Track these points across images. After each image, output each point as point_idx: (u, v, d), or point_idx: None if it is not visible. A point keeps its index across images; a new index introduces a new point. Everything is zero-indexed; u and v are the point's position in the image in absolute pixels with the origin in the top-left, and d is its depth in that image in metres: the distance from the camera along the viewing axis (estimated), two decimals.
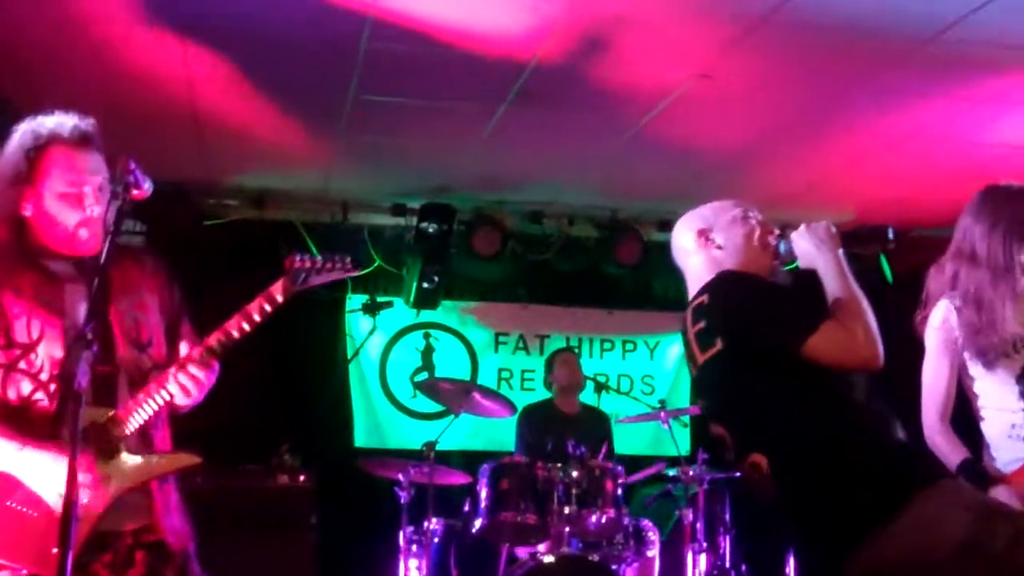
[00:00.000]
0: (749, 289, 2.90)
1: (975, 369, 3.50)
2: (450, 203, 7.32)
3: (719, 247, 3.06)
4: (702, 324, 2.86)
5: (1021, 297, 3.45)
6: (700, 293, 2.93)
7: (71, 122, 3.00)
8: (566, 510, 5.59)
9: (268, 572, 5.77)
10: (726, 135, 6.13)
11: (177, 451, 3.13)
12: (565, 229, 7.84)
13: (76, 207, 2.95)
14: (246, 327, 3.03)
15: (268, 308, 3.05)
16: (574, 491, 5.63)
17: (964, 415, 3.61)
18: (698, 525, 6.07)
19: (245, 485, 6.09)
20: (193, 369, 2.99)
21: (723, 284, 2.90)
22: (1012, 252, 3.43)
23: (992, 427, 3.50)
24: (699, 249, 3.09)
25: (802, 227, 3.00)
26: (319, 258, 3.16)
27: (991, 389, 3.49)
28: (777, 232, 3.07)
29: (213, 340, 3.02)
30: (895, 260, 7.90)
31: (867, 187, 7.11)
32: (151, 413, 2.96)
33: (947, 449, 3.45)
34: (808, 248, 2.99)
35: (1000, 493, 3.30)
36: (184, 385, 2.98)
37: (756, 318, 2.81)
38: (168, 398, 2.98)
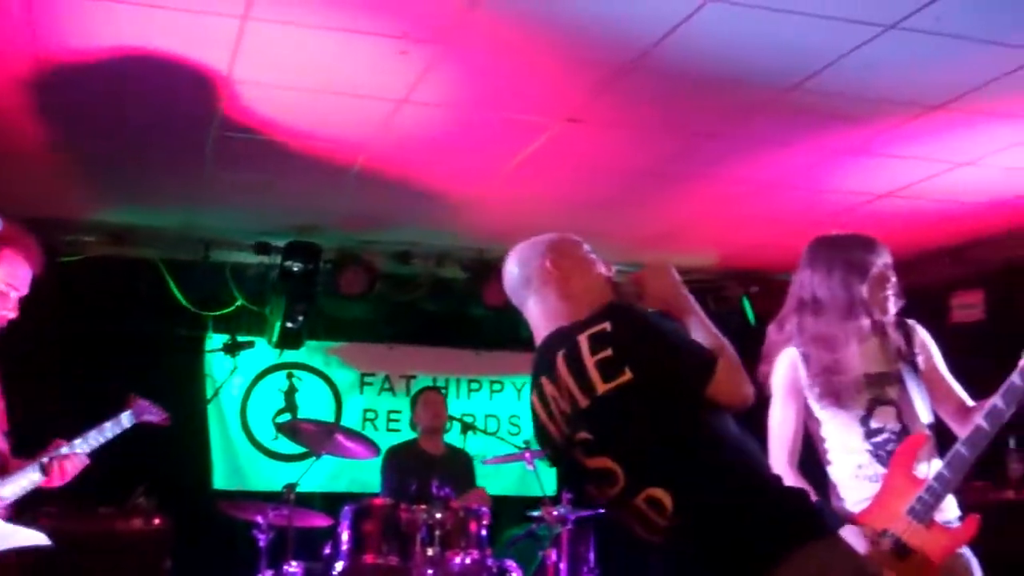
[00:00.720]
0: (656, 322, 2.77)
1: (821, 412, 3.59)
2: (316, 242, 7.23)
3: (570, 279, 2.92)
4: (607, 353, 2.69)
5: (866, 337, 3.56)
6: (595, 320, 2.75)
7: None
8: (429, 552, 5.53)
9: None
10: (593, 178, 6.19)
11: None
12: (433, 270, 7.82)
13: None
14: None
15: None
16: (437, 533, 5.57)
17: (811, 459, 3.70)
18: (562, 565, 6.04)
19: (99, 528, 5.91)
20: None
21: (627, 314, 2.77)
22: (853, 293, 3.54)
23: (839, 469, 3.59)
24: (550, 281, 2.92)
25: (654, 267, 2.93)
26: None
27: (837, 431, 3.57)
28: (615, 271, 2.99)
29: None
30: (757, 303, 8.11)
31: (729, 232, 7.26)
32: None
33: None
34: (664, 288, 2.89)
35: (848, 533, 3.26)
36: None
37: (669, 353, 2.70)
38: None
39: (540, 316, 2.93)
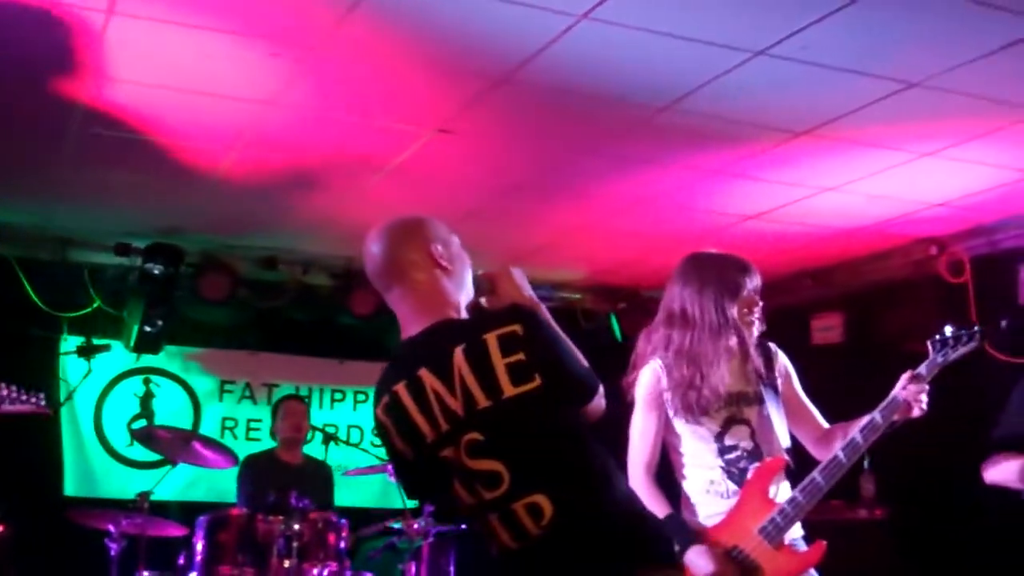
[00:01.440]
0: (558, 331, 2.70)
1: (679, 426, 3.63)
2: (179, 245, 7.05)
3: (447, 273, 2.79)
4: (520, 357, 2.59)
5: (733, 355, 3.62)
6: (502, 320, 2.65)
7: None
8: (286, 564, 5.44)
9: None
10: (463, 190, 6.16)
11: None
12: (299, 276, 7.69)
13: None
14: None
15: None
16: (295, 544, 5.48)
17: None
18: None
19: None
20: None
21: (536, 319, 2.67)
22: (724, 310, 3.58)
23: (692, 483, 3.64)
24: (429, 267, 2.77)
25: (506, 268, 2.85)
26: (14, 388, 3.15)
27: (692, 446, 3.62)
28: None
29: None
30: (624, 320, 8.17)
31: (600, 248, 7.31)
32: None
33: (650, 503, 3.50)
34: (515, 289, 2.81)
35: (695, 554, 3.39)
36: None
37: (572, 363, 2.66)
38: None
39: (415, 304, 2.76)
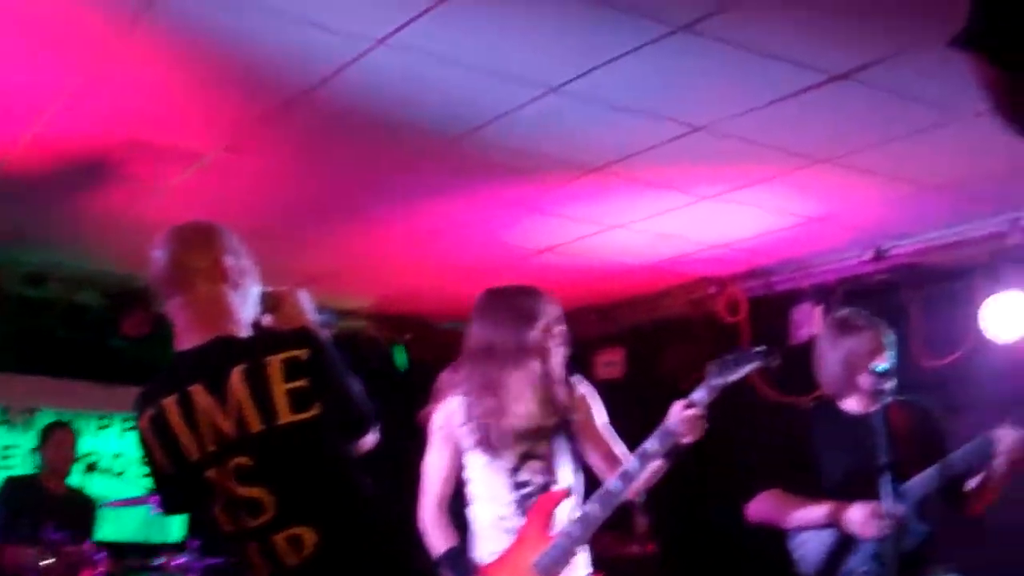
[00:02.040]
0: (342, 361, 2.59)
1: (475, 461, 3.62)
2: None
3: (235, 287, 2.66)
4: (302, 383, 2.48)
5: (536, 385, 3.59)
6: (288, 344, 2.53)
7: None
8: None
9: None
10: (250, 210, 5.93)
11: None
12: (69, 294, 7.30)
13: None
14: None
15: None
16: None
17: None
18: None
19: None
20: None
21: (323, 345, 2.55)
22: (521, 338, 3.57)
23: (482, 518, 3.62)
24: (216, 278, 2.65)
25: (295, 291, 2.76)
26: None
27: (485, 480, 3.61)
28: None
29: None
30: (412, 350, 8.10)
31: (388, 277, 7.21)
32: None
33: (437, 536, 3.60)
34: (299, 313, 2.71)
35: None
36: None
37: (353, 395, 2.56)
38: None
39: (196, 315, 2.62)
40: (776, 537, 4.01)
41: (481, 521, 3.62)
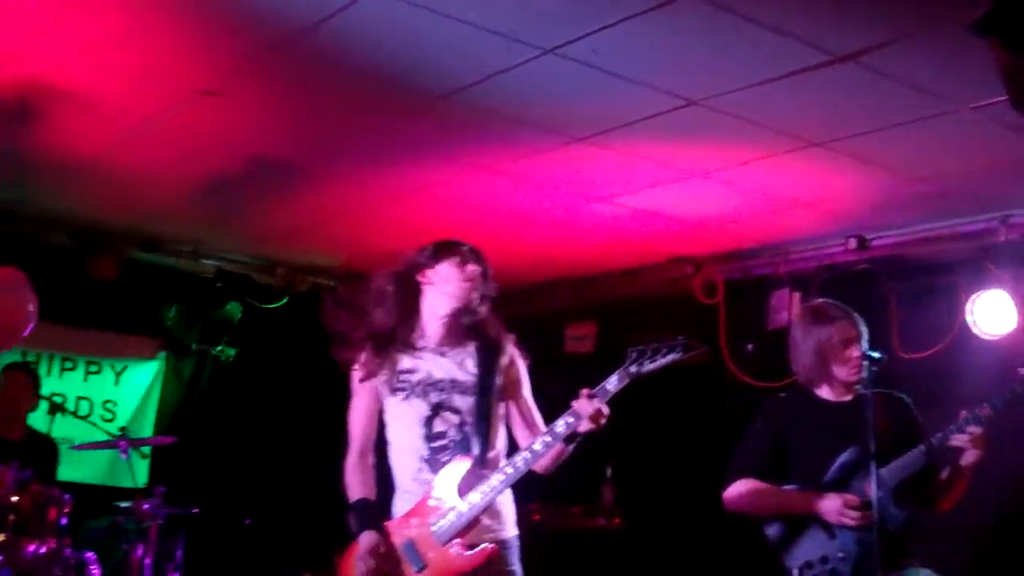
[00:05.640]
0: None
1: (391, 407, 3.70)
2: None
3: None
4: None
5: (453, 339, 3.69)
6: None
7: None
8: (1, 537, 5.05)
9: None
10: (224, 158, 5.85)
11: None
12: (36, 234, 7.18)
13: None
14: None
15: None
16: (11, 518, 5.12)
17: None
18: (147, 561, 5.73)
19: None
20: None
21: None
22: (405, 286, 3.72)
23: (396, 466, 3.70)
24: None
25: None
26: None
27: (400, 428, 3.68)
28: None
29: None
30: None
31: (360, 235, 7.10)
32: None
33: (352, 485, 3.67)
34: None
35: (366, 535, 3.50)
36: None
37: None
38: None
39: None
40: (745, 521, 4.01)
41: (396, 469, 3.69)
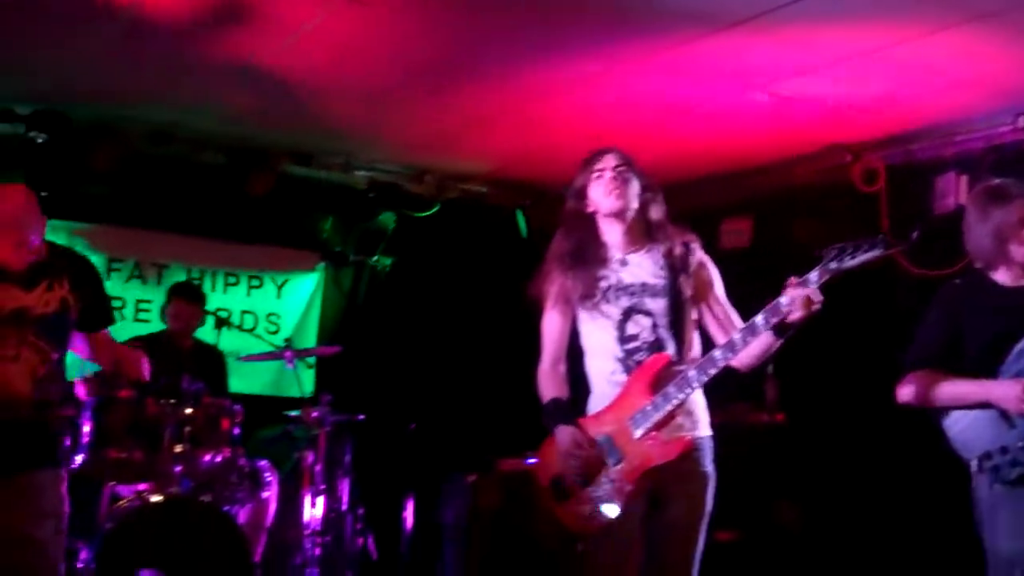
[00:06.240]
0: None
1: (583, 315, 3.77)
2: (65, 112, 6.64)
3: None
4: None
5: (638, 244, 3.76)
6: None
7: None
8: (177, 448, 5.26)
9: None
10: (374, 66, 5.83)
11: None
12: (193, 153, 7.32)
13: None
14: None
15: None
16: (187, 429, 5.30)
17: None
18: (317, 468, 5.93)
19: None
20: None
21: None
22: (584, 197, 3.81)
23: (592, 371, 3.79)
24: None
25: None
26: None
27: (594, 334, 3.75)
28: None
29: None
30: (532, 217, 8.04)
31: (510, 137, 7.04)
32: None
33: (546, 388, 3.80)
34: None
35: (562, 428, 3.64)
36: None
37: None
38: None
39: None
40: (917, 415, 3.90)
41: (591, 374, 3.78)
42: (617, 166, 3.76)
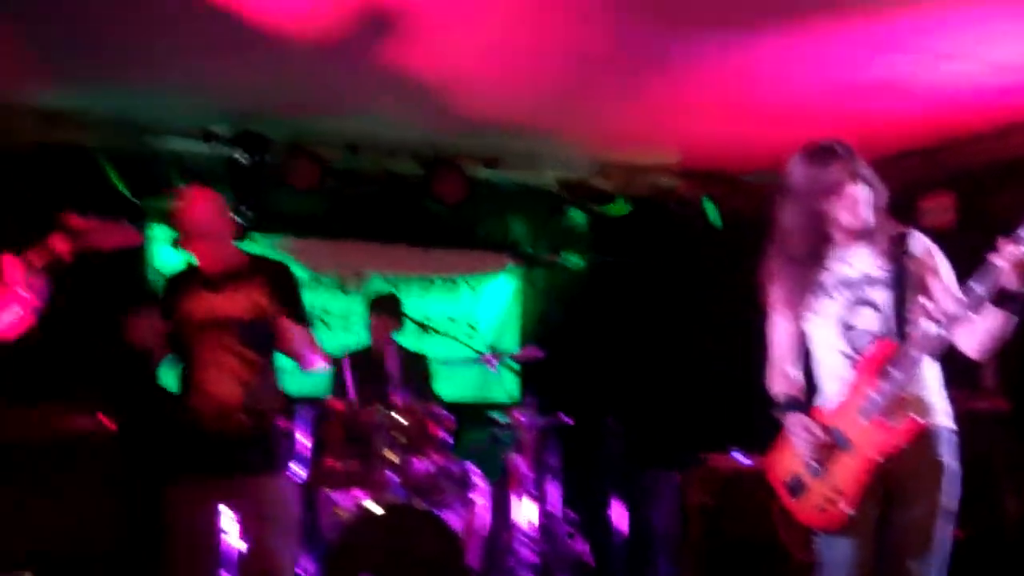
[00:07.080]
0: None
1: (807, 313, 3.68)
2: (262, 131, 6.91)
3: None
4: None
5: (854, 237, 3.59)
6: None
7: None
8: (391, 456, 5.37)
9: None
10: (550, 66, 5.84)
11: None
12: (384, 163, 7.49)
13: None
14: None
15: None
16: (399, 437, 5.40)
17: None
18: (527, 472, 5.94)
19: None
20: None
21: None
22: (814, 210, 3.58)
23: (820, 369, 3.70)
24: None
25: None
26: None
27: (819, 331, 3.66)
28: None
29: None
30: (722, 205, 7.92)
31: (695, 126, 6.95)
32: None
33: (777, 384, 3.76)
34: None
35: (794, 416, 3.60)
36: None
37: None
38: None
39: None
40: None
41: (819, 372, 3.70)
42: (855, 173, 3.52)
